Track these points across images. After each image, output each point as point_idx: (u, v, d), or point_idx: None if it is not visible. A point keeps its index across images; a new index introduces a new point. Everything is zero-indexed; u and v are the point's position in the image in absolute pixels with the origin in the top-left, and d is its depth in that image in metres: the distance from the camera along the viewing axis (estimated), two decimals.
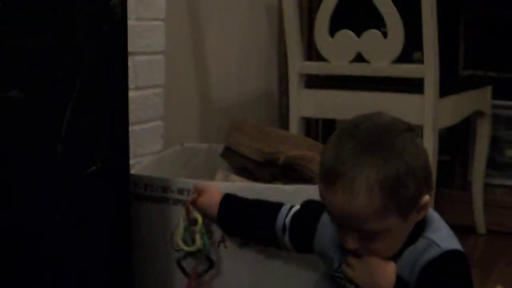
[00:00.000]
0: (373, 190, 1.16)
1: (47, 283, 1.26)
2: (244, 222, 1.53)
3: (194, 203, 1.55)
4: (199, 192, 1.55)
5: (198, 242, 1.55)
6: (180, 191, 1.60)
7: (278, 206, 1.49)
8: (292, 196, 1.58)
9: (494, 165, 2.66)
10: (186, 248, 1.55)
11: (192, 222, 1.55)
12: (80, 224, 1.30)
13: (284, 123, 2.79)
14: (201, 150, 2.11)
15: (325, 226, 1.36)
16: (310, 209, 1.44)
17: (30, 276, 1.23)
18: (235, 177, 1.97)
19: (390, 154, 1.18)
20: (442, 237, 1.25)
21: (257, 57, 2.74)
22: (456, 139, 2.72)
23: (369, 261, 1.24)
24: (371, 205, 1.17)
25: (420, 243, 1.24)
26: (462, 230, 2.64)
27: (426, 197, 1.22)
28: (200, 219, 1.54)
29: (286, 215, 1.46)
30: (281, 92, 2.84)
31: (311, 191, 1.58)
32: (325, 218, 1.36)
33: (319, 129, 2.77)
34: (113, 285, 1.40)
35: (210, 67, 2.46)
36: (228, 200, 1.53)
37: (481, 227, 2.59)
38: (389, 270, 1.23)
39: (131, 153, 1.57)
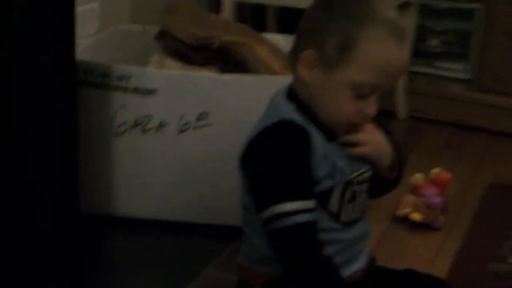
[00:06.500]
0: None
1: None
2: None
3: None
4: None
5: None
6: (120, 78, 1.63)
7: None
8: (229, 86, 1.64)
9: (417, 53, 2.74)
10: None
11: None
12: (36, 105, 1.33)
13: (212, 4, 2.79)
14: (135, 33, 2.11)
15: (318, 156, 1.23)
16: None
17: None
18: (169, 60, 1.99)
19: None
20: None
21: None
22: None
23: (370, 128, 1.26)
24: None
25: None
26: (383, 114, 2.76)
27: None
28: None
29: None
30: None
31: (248, 81, 1.65)
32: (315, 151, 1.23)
33: (248, 15, 2.76)
34: (62, 162, 1.44)
35: None
36: None
37: (402, 113, 2.70)
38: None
39: None
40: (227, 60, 2.01)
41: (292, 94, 1.26)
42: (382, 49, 1.17)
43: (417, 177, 1.93)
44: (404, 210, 1.89)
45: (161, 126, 1.64)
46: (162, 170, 1.68)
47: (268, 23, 2.79)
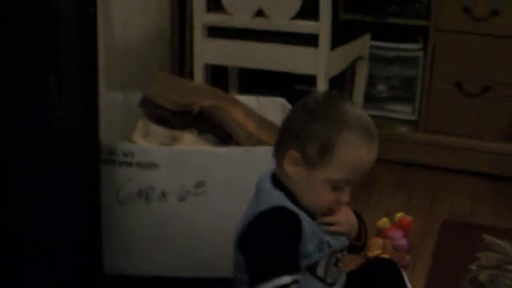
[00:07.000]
0: None
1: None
2: None
3: None
4: None
5: None
6: (125, 154, 1.82)
7: None
8: (222, 158, 1.84)
9: (367, 97, 2.96)
10: None
11: None
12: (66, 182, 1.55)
13: (175, 68, 2.97)
14: (117, 99, 2.28)
15: (307, 237, 1.46)
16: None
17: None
18: (154, 126, 2.17)
19: None
20: None
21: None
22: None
23: (343, 210, 1.50)
24: None
25: None
26: None
27: None
28: None
29: None
30: (172, 31, 3.00)
31: (239, 152, 1.86)
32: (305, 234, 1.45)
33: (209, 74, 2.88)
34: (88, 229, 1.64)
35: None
36: None
37: None
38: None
39: None
40: (205, 123, 2.20)
41: (277, 182, 1.48)
42: (356, 152, 1.41)
43: (384, 221, 2.17)
44: (374, 252, 2.12)
45: (163, 195, 1.84)
46: (165, 233, 1.88)
47: (230, 82, 2.98)
